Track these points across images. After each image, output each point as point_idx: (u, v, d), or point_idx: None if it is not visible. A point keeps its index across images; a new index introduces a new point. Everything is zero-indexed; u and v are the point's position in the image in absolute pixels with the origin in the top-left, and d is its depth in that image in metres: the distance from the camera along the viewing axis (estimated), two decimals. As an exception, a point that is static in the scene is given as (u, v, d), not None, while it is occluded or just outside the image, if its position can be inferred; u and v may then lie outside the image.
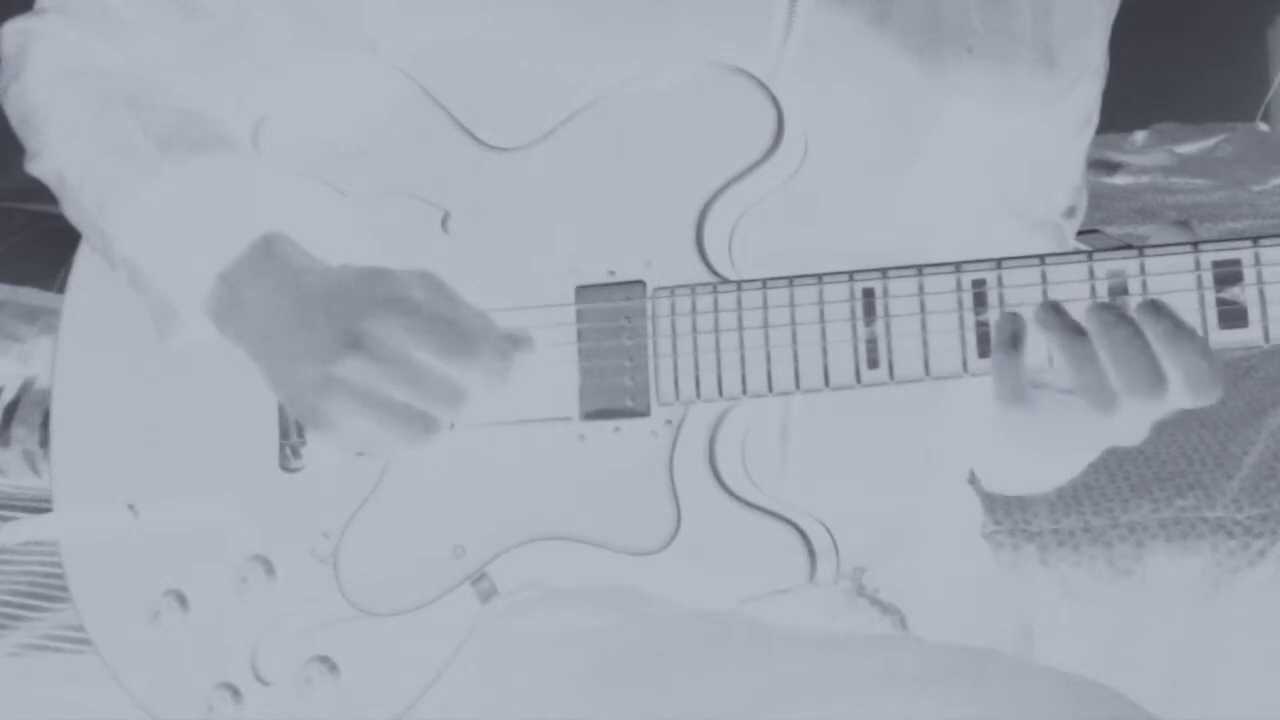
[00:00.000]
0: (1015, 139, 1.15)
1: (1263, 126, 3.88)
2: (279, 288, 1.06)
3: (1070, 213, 1.23)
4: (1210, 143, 3.68)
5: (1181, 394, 0.94)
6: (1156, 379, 0.94)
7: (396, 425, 1.02)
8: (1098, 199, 3.21)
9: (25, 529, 1.28)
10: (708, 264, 1.03)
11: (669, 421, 1.03)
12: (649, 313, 1.04)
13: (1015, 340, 0.95)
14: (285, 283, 1.06)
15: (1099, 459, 2.14)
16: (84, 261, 1.25)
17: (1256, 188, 3.39)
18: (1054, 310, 0.95)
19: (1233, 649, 2.00)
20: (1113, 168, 3.47)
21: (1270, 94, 3.92)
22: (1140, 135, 3.75)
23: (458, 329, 1.02)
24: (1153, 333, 0.93)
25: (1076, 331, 0.94)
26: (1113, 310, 0.94)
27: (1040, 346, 0.96)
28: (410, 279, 1.03)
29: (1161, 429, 2.36)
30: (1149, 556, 2.01)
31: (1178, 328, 0.93)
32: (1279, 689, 1.99)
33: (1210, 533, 2.02)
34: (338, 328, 1.02)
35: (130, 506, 1.18)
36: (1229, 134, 3.72)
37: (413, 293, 1.02)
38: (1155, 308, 0.93)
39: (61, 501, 1.24)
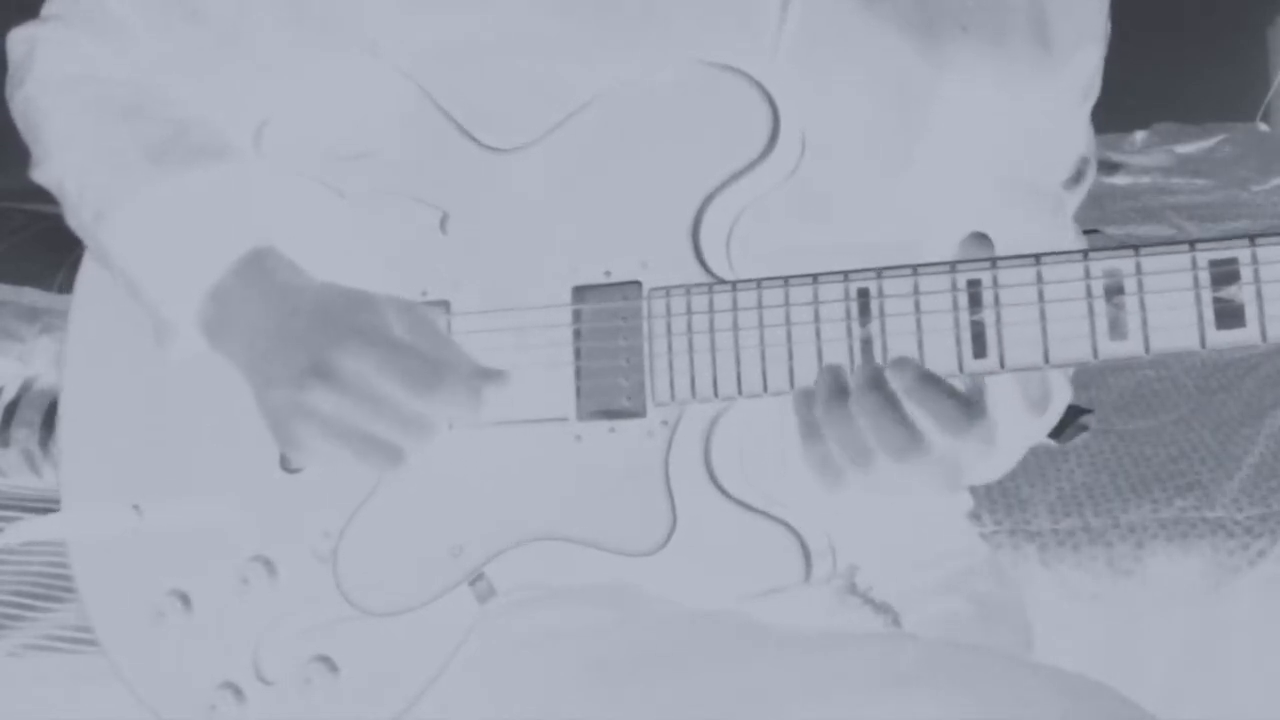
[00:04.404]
0: (1014, 115, 1.14)
1: (1263, 126, 3.88)
2: (265, 305, 1.07)
3: (1072, 183, 1.22)
4: (1210, 143, 3.68)
5: (939, 438, 0.95)
6: (910, 438, 0.94)
7: (362, 453, 1.03)
8: (1098, 199, 3.22)
9: (31, 529, 1.29)
10: (703, 264, 1.02)
11: (665, 422, 1.03)
12: (644, 313, 1.03)
13: (811, 428, 0.96)
14: (271, 301, 1.07)
15: (1099, 459, 2.15)
16: (91, 263, 1.25)
17: (1256, 188, 3.39)
18: (827, 374, 0.96)
19: (1233, 649, 2.00)
20: (1113, 168, 3.47)
21: (1270, 94, 3.92)
22: (1140, 135, 3.75)
23: (427, 363, 1.02)
24: (898, 385, 0.94)
25: (840, 392, 0.95)
26: (867, 370, 0.95)
27: None
28: (389, 307, 1.04)
29: (1161, 430, 2.37)
30: (1149, 556, 2.01)
31: (921, 378, 0.94)
32: (1278, 689, 1.99)
33: (1210, 533, 2.02)
34: (311, 355, 1.02)
35: (135, 507, 1.18)
36: (1229, 134, 3.72)
37: (388, 322, 1.03)
38: (902, 362, 0.94)
39: (69, 501, 1.24)
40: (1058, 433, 1.33)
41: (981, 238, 0.95)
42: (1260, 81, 3.93)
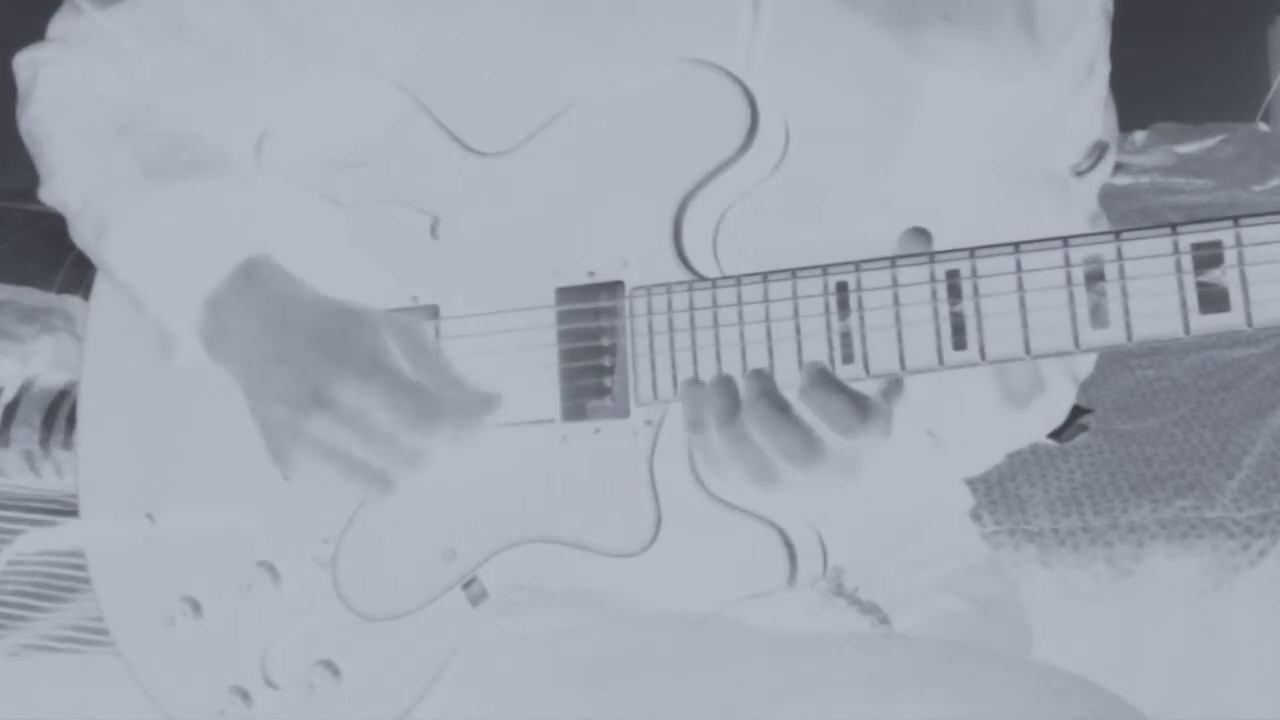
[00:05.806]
0: (1007, 103, 1.12)
1: (1263, 126, 3.87)
2: (260, 316, 1.08)
3: (1085, 168, 1.19)
4: (1210, 143, 3.68)
5: (834, 440, 0.94)
6: (807, 445, 0.94)
7: (356, 479, 1.05)
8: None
9: (46, 537, 1.30)
10: (685, 262, 1.02)
11: (649, 422, 1.02)
12: (626, 313, 1.03)
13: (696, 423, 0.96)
14: (266, 312, 1.08)
15: (1099, 459, 2.15)
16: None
17: (1257, 188, 3.39)
18: (695, 386, 0.96)
19: (1233, 649, 2.01)
20: (1113, 168, 3.47)
21: (1270, 94, 3.92)
22: (1140, 135, 3.75)
23: (425, 400, 1.03)
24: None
25: (730, 414, 0.95)
26: (760, 380, 0.94)
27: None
28: (387, 330, 1.05)
29: (1161, 430, 2.37)
30: (1149, 556, 2.01)
31: (813, 380, 0.93)
32: (1278, 689, 1.99)
33: (1210, 533, 2.02)
34: (310, 383, 1.04)
35: (149, 516, 1.19)
36: (1229, 134, 3.71)
37: (388, 351, 1.04)
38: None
39: (86, 509, 1.26)
40: (1058, 433, 1.33)
41: (919, 233, 0.94)
42: (1260, 81, 3.93)
